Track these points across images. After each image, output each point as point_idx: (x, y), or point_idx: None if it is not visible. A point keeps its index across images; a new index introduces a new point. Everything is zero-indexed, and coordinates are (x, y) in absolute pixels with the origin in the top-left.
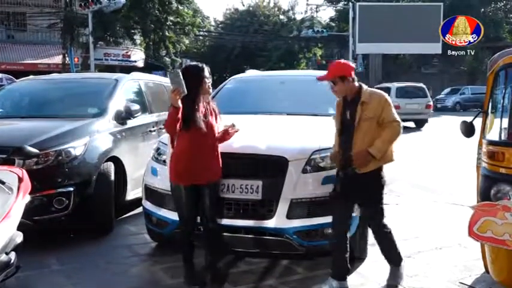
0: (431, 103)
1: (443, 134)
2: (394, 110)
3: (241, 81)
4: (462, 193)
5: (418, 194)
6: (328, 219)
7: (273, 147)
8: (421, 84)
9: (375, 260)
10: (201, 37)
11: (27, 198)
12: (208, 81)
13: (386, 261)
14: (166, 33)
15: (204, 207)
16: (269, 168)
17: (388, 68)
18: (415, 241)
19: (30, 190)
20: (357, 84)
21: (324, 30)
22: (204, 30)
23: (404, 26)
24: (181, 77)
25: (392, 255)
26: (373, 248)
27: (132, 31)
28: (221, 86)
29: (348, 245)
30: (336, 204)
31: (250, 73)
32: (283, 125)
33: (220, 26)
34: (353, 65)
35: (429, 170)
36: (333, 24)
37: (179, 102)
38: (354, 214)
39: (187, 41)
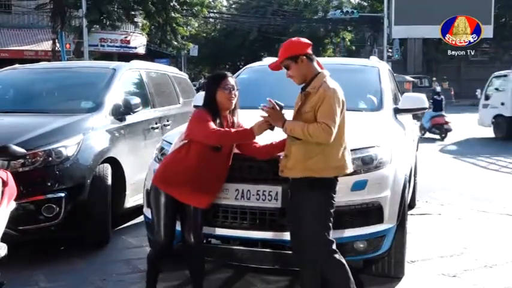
0: None
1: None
2: (334, 112)
3: (258, 71)
4: None
5: (465, 202)
6: (360, 231)
7: None
8: None
9: (413, 279)
10: (211, 19)
11: (13, 205)
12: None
13: None
14: (172, 14)
15: (188, 224)
16: None
17: (429, 55)
18: (460, 258)
19: (15, 196)
20: (317, 68)
21: (355, 11)
22: (215, 11)
23: (448, 5)
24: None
25: None
26: (411, 266)
27: (133, 12)
28: (234, 76)
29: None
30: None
31: (268, 61)
32: None
33: (233, 6)
34: (307, 41)
35: (478, 176)
36: (365, 4)
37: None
38: (390, 225)
39: (196, 24)
